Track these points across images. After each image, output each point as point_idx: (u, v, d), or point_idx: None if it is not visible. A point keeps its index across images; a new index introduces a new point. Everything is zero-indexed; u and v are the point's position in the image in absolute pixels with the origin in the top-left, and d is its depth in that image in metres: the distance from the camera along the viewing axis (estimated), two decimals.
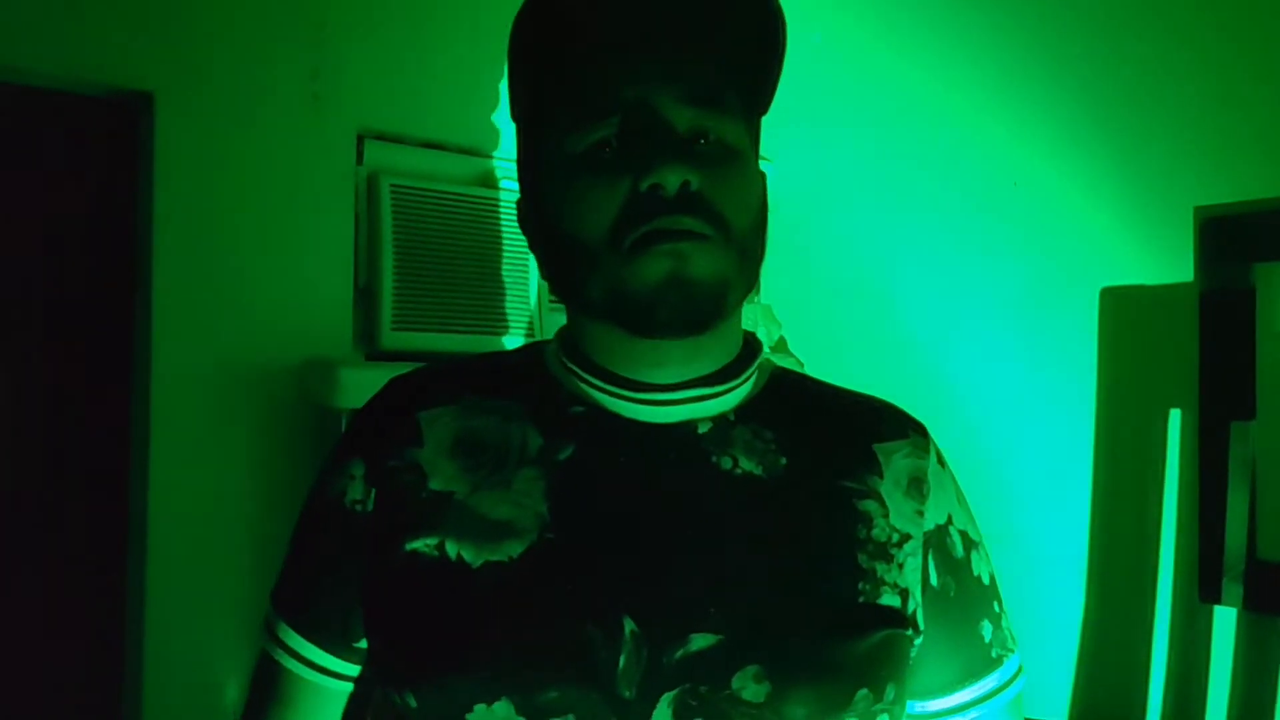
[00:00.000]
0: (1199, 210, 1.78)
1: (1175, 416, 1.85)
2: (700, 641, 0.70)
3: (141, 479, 1.69)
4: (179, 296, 1.71)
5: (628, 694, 0.69)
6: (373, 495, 0.78)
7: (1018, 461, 2.03)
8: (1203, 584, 1.76)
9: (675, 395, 0.77)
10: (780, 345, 2.31)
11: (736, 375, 0.79)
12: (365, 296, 1.89)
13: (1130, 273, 1.92)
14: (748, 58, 0.78)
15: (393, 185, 1.89)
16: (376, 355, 1.90)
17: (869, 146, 2.29)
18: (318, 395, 1.73)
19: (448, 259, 1.95)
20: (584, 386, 0.78)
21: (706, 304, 0.72)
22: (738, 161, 0.75)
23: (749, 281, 0.77)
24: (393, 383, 0.84)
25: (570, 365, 0.79)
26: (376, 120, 1.91)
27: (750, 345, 0.82)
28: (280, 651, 0.82)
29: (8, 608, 1.64)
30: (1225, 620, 1.77)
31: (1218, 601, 1.75)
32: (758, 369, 0.82)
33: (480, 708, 0.69)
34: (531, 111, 0.80)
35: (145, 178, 1.70)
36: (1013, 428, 2.04)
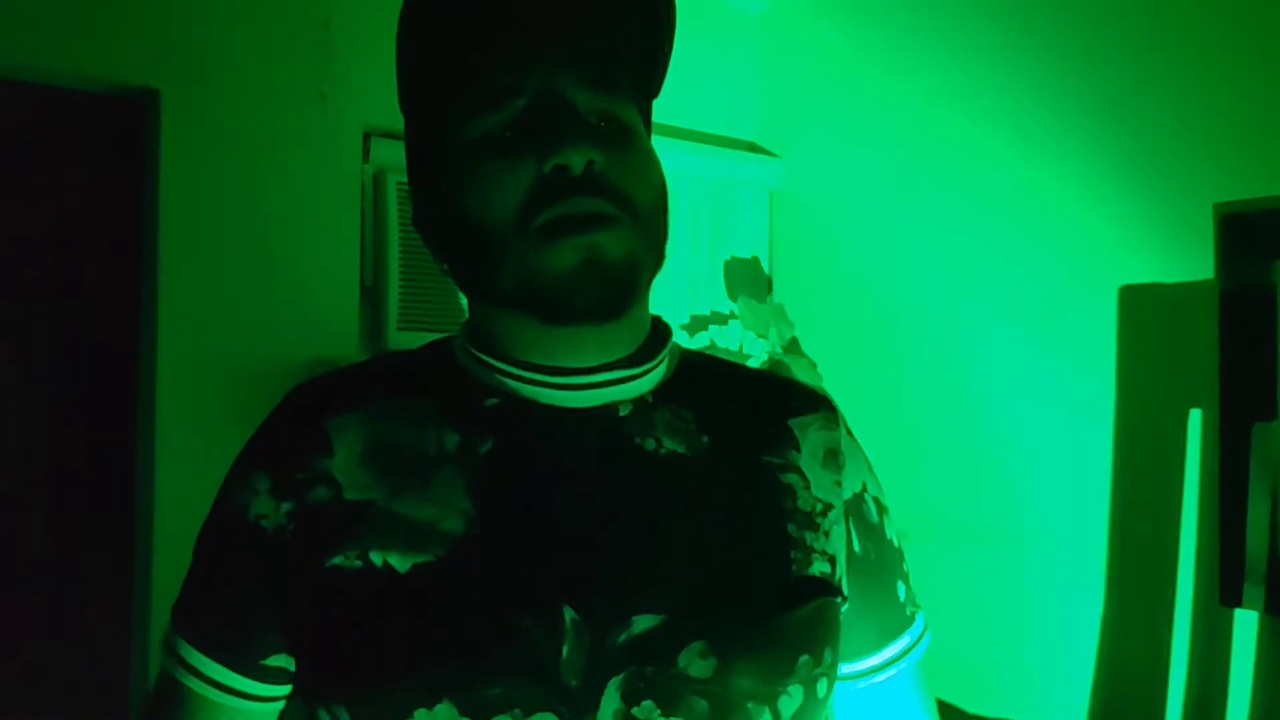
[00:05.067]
0: (1218, 207, 1.76)
1: (1195, 417, 1.82)
2: (643, 623, 0.70)
3: (147, 478, 1.69)
4: (184, 294, 1.71)
5: (574, 682, 0.69)
6: (284, 511, 0.76)
7: (1036, 462, 2.00)
8: (1223, 587, 1.74)
9: (594, 379, 0.77)
10: (793, 346, 2.29)
11: (651, 358, 0.80)
12: (371, 295, 1.89)
13: (1149, 271, 1.89)
14: (639, 42, 0.79)
15: (399, 183, 1.90)
16: None
17: (882, 145, 2.27)
18: None
19: None
20: (499, 377, 0.77)
21: (621, 286, 0.73)
22: (636, 142, 0.77)
23: (656, 261, 0.77)
24: (297, 390, 0.81)
25: (483, 357, 0.78)
26: (383, 118, 1.91)
27: (659, 328, 0.83)
28: (181, 670, 0.80)
29: (14, 608, 1.64)
30: (1246, 624, 1.75)
31: (1239, 605, 1.73)
32: (669, 351, 0.82)
33: (421, 713, 0.68)
34: (424, 100, 0.79)
35: (151, 175, 1.70)
36: (1031, 427, 2.02)
